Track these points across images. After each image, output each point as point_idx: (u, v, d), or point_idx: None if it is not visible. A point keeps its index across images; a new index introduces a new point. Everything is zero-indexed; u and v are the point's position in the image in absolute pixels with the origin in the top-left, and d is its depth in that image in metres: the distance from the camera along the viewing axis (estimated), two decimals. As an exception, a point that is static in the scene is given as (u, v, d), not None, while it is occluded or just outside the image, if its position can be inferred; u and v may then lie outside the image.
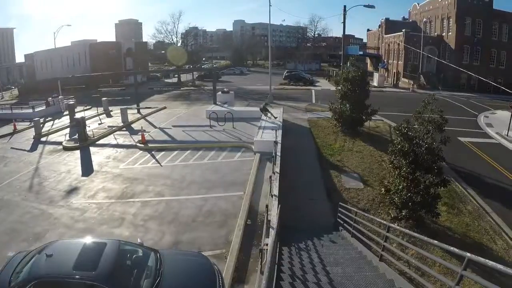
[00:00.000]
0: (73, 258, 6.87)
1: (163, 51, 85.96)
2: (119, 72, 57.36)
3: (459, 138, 25.90)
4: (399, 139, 14.39)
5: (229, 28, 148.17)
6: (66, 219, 12.50)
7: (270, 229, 8.91)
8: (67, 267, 6.69)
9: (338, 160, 20.40)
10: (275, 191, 12.82)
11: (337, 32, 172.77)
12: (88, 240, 7.84)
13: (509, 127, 26.78)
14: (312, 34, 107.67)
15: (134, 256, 7.62)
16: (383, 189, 15.34)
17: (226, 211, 12.88)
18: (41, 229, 11.67)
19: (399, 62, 59.39)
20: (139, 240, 8.69)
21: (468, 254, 4.54)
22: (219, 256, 10.03)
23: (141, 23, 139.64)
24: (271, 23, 38.31)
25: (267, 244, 7.56)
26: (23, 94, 52.60)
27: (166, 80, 64.03)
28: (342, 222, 12.83)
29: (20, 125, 26.86)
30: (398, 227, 8.33)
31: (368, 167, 19.36)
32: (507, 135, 26.67)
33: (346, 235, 12.00)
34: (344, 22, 36.48)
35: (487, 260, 4.24)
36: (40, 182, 15.99)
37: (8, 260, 7.78)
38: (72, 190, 15.12)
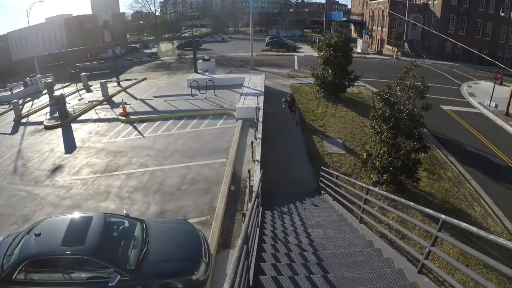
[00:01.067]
0: (61, 234, 6.97)
1: (141, 22, 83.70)
2: (97, 46, 55.61)
3: (442, 106, 26.23)
4: (380, 104, 14.51)
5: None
6: (53, 198, 12.41)
7: (253, 193, 9.02)
8: (56, 244, 6.79)
9: (320, 126, 20.50)
10: (257, 157, 12.94)
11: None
12: (75, 215, 7.88)
13: (491, 97, 27.04)
14: (295, 0, 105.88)
15: (120, 227, 7.67)
16: (364, 154, 15.55)
17: (210, 178, 12.97)
18: (29, 211, 11.59)
19: (384, 29, 58.88)
20: (124, 212, 8.71)
21: (443, 216, 4.65)
22: (204, 222, 10.16)
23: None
24: (252, -12, 37.34)
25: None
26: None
27: (145, 51, 62.51)
28: (324, 186, 13.02)
29: (-1, 109, 25.94)
30: (376, 190, 8.47)
31: (351, 133, 19.53)
32: (489, 105, 26.95)
33: (328, 198, 12.22)
34: (327, -13, 35.81)
35: (460, 222, 4.35)
36: (24, 164, 15.71)
37: None
38: (56, 169, 14.93)
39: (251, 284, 4.27)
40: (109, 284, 6.25)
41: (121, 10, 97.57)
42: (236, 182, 12.60)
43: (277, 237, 7.39)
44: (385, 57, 51.22)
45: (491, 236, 3.65)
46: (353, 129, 20.07)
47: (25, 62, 44.82)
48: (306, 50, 54.78)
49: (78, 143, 17.80)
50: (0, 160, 16.47)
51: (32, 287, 6.69)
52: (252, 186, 9.60)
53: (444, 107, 26.20)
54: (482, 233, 3.73)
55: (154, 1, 71.38)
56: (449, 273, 8.57)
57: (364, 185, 9.04)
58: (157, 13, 75.75)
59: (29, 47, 59.65)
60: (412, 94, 13.80)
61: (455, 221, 4.42)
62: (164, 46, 58.36)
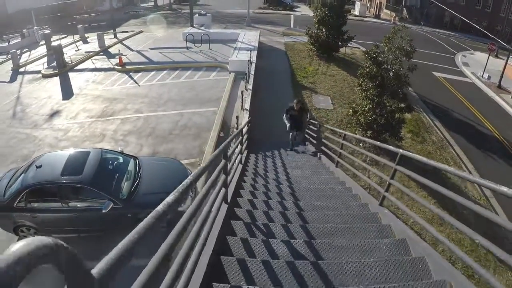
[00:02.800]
0: (60, 166, 7.54)
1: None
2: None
3: (434, 72, 26.61)
4: (368, 63, 15.01)
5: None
6: (50, 140, 13.02)
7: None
8: (56, 174, 7.36)
9: (311, 82, 20.89)
10: (247, 106, 13.57)
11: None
12: (73, 150, 8.45)
13: (484, 68, 27.23)
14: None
15: (115, 162, 8.31)
16: (350, 110, 16.17)
17: (201, 125, 13.61)
18: (27, 151, 12.18)
19: (383, -7, 58.10)
20: (119, 149, 9.38)
21: (401, 151, 5.21)
22: (193, 164, 10.90)
23: None
24: None
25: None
26: None
27: (142, 5, 61.18)
28: (308, 137, 13.68)
29: (-3, 59, 25.73)
30: (350, 134, 9.14)
31: (340, 91, 20.03)
32: (482, 76, 27.18)
33: (311, 148, 12.93)
34: None
35: (415, 155, 4.78)
36: (23, 109, 16.10)
37: (0, 177, 8.35)
38: (54, 114, 15.42)
39: (228, 200, 4.97)
40: (103, 211, 6.96)
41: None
42: (226, 129, 13.32)
43: (258, 173, 8.13)
44: (382, 21, 50.75)
45: (445, 166, 4.01)
46: (342, 87, 20.54)
47: (21, 14, 43.88)
48: (304, 10, 53.99)
49: (75, 91, 18.18)
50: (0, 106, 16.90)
51: (31, 214, 7.32)
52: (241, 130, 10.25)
53: (436, 73, 26.58)
54: (439, 165, 4.10)
55: (152, -50, 68.48)
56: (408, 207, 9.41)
57: (340, 130, 9.72)
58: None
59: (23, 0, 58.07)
60: (399, 54, 14.32)
61: (411, 154, 4.88)
62: (162, 1, 57.13)
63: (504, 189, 2.49)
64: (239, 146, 7.58)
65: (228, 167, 4.78)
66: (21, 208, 7.30)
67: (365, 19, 51.14)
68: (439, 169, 4.33)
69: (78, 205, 7.44)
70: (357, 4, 57.19)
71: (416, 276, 3.51)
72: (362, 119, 14.91)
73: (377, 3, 59.65)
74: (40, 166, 7.62)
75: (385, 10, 56.96)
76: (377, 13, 58.24)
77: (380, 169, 11.87)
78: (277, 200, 5.91)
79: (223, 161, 4.40)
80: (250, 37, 26.74)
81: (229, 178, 5.06)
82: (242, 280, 3.24)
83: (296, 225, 4.61)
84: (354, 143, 13.02)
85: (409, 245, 4.17)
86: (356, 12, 53.28)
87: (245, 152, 9.55)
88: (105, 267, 1.07)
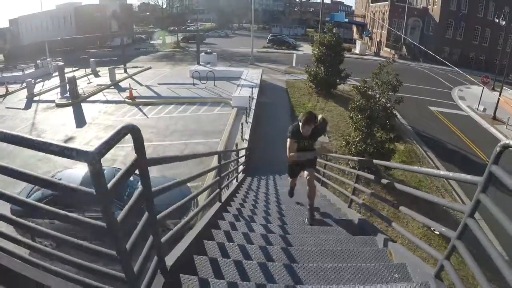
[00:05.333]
0: (78, 180, 8.62)
1: (147, 13, 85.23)
2: (105, 34, 57.35)
3: (430, 107, 27.62)
4: (358, 97, 16.33)
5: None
6: (66, 162, 14.21)
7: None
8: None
9: (308, 117, 21.85)
10: (246, 136, 14.82)
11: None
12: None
13: (479, 101, 27.86)
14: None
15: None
16: (343, 141, 17.31)
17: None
18: (45, 170, 13.28)
19: (383, 32, 60.09)
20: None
21: (357, 158, 6.24)
22: (196, 187, 12.03)
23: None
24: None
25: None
26: (10, 59, 52.16)
27: (151, 42, 64.24)
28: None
29: (11, 87, 27.36)
30: (336, 155, 10.21)
31: (336, 125, 21.23)
32: (477, 108, 27.82)
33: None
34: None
35: (376, 160, 5.63)
36: (38, 134, 17.32)
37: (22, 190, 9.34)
38: (69, 140, 16.79)
39: (222, 201, 6.16)
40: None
41: (129, 1, 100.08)
42: (226, 157, 14.48)
43: (251, 189, 9.30)
44: (382, 59, 52.24)
45: (410, 167, 4.41)
46: (338, 122, 21.75)
47: (35, 46, 46.37)
48: (306, 49, 56.10)
49: (88, 120, 19.66)
50: (16, 130, 18.15)
51: (50, 221, 8.10)
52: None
53: (432, 108, 27.58)
54: (405, 166, 4.66)
55: (161, -7, 72.51)
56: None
57: (334, 155, 10.85)
58: (164, 6, 77.28)
59: (39, 31, 61.44)
60: (385, 89, 15.62)
61: (381, 162, 5.60)
62: (169, 38, 60.00)
63: (468, 177, 2.57)
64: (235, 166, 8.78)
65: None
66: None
67: (365, 57, 53.07)
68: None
69: (93, 214, 8.33)
70: (358, 42, 59.52)
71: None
72: (353, 149, 15.99)
73: (378, 41, 61.89)
74: (60, 179, 8.74)
75: (385, 48, 58.97)
76: (376, 51, 60.27)
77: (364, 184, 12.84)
78: (263, 200, 6.99)
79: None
80: (253, 75, 28.44)
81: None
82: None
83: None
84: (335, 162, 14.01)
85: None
86: (357, 51, 55.42)
87: (243, 175, 10.69)
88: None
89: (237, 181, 9.02)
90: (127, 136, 1.87)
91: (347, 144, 16.69)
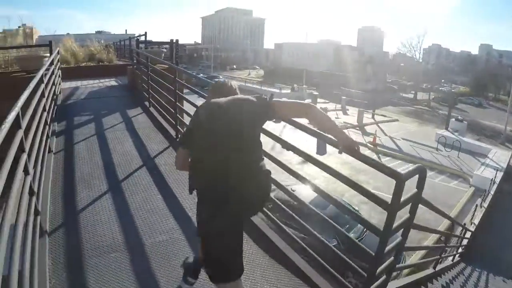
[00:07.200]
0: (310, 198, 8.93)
1: (401, 64, 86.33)
2: (359, 76, 60.61)
3: None
4: None
5: (474, 51, 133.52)
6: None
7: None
8: None
9: None
10: (476, 220, 14.17)
11: None
12: None
13: None
14: None
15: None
16: None
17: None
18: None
19: None
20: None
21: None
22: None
23: (383, 32, 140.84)
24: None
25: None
26: (268, 75, 62.00)
27: (402, 94, 64.81)
28: None
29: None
30: None
31: None
32: None
33: None
34: None
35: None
36: None
37: None
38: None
39: (435, 268, 6.56)
40: None
41: (384, 49, 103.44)
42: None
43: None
44: None
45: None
46: None
47: (291, 71, 53.79)
48: None
49: (328, 150, 21.04)
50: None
51: None
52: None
53: None
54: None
55: (420, 47, 72.24)
56: None
57: None
58: (420, 60, 77.15)
59: (299, 59, 71.31)
60: None
61: None
62: (420, 95, 59.90)
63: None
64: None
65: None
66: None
67: None
68: None
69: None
70: None
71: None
72: None
73: None
74: (294, 191, 10.06)
75: None
76: None
77: None
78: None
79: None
80: (500, 156, 26.22)
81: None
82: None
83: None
84: None
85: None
86: None
87: (458, 258, 9.68)
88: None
89: (452, 260, 8.86)
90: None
91: None
